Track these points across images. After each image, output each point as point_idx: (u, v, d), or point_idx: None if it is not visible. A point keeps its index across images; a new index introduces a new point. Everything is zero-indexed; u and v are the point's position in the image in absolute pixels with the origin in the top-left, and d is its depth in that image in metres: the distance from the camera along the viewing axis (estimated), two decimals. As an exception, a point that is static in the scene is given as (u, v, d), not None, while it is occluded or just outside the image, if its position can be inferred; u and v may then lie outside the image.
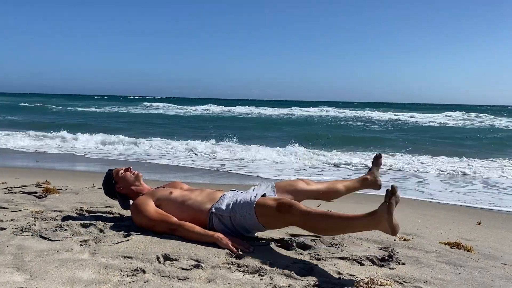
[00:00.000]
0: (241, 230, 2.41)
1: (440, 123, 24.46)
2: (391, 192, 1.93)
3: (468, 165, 8.79)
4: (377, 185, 3.02)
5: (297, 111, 34.14)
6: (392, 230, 1.96)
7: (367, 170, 3.14)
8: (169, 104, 43.20)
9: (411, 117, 28.42)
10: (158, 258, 2.03)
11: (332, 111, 35.21)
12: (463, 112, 35.03)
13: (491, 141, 14.97)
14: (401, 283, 1.90)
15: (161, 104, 42.06)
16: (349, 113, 32.08)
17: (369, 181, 3.00)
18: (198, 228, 2.35)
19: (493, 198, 5.84)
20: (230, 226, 2.40)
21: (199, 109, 37.36)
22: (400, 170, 8.23)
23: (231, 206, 2.41)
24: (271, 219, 2.30)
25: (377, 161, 3.12)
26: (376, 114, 29.75)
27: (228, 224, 2.40)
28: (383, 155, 3.24)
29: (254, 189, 2.69)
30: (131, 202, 2.77)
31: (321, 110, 36.89)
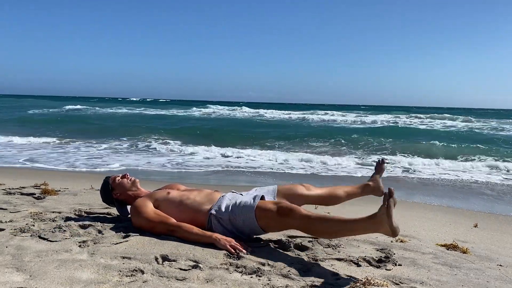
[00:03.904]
0: (240, 233, 2.42)
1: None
2: (389, 195, 1.98)
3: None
4: (379, 192, 2.96)
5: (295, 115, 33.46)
6: (393, 231, 1.99)
7: (369, 176, 3.10)
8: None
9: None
10: (156, 259, 2.04)
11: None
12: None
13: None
14: (398, 284, 1.91)
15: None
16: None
17: (371, 187, 2.96)
18: (196, 229, 2.36)
19: (489, 201, 5.87)
20: (230, 228, 2.41)
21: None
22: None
23: (230, 208, 2.42)
24: (271, 222, 2.32)
25: (380, 167, 3.07)
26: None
27: (227, 226, 2.41)
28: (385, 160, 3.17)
29: (256, 190, 2.70)
30: (129, 208, 2.76)
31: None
